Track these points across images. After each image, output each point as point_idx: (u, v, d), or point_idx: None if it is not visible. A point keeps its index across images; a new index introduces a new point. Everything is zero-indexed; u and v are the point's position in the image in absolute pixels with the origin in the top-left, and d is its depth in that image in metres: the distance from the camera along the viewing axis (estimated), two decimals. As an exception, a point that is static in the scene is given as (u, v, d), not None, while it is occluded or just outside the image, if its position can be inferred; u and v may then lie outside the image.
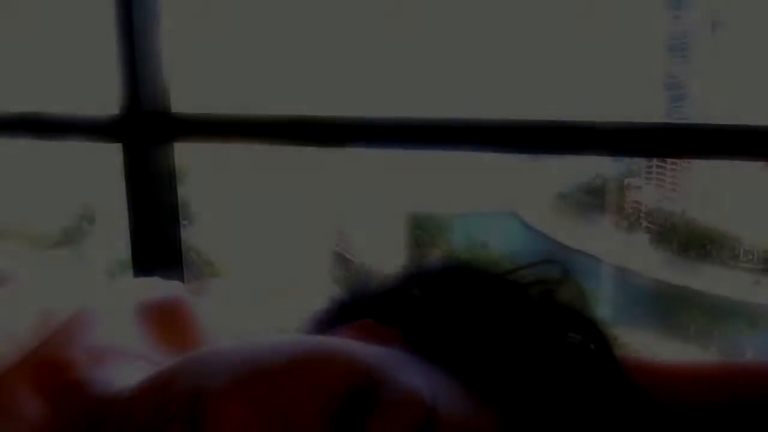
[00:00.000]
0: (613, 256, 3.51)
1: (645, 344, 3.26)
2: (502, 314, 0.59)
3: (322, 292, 3.41)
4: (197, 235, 3.45)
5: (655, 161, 3.41)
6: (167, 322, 0.68)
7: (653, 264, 3.52)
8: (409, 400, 0.49)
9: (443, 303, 0.60)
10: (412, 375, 0.51)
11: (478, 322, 0.58)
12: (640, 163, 3.49)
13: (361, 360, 0.52)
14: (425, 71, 3.18)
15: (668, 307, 3.57)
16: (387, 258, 3.52)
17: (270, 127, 1.53)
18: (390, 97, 3.09)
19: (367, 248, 3.55)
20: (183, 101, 1.62)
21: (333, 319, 0.64)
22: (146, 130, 1.55)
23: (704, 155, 1.38)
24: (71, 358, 0.60)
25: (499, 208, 3.75)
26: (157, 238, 1.57)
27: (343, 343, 0.55)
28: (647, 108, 3.22)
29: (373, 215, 3.53)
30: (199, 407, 0.48)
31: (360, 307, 0.64)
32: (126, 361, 0.62)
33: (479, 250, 3.66)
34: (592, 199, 3.63)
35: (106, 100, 1.62)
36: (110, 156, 1.76)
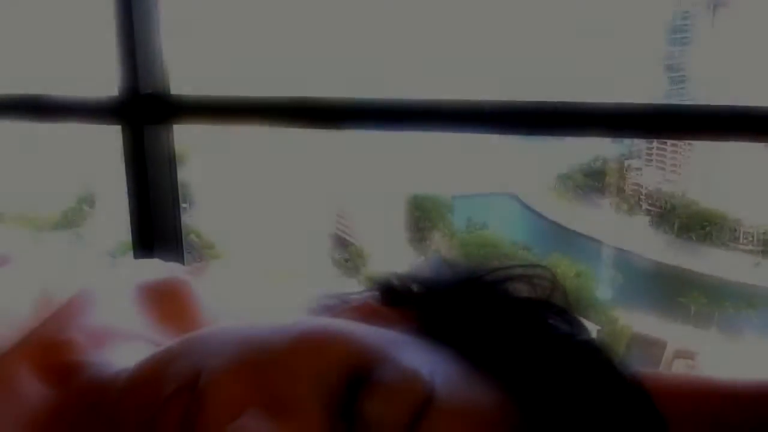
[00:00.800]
0: (613, 237, 3.52)
1: (645, 325, 3.27)
2: (510, 300, 0.59)
3: (321, 273, 3.42)
4: (197, 217, 3.45)
5: (655, 143, 3.40)
6: (167, 303, 0.68)
7: (653, 245, 3.52)
8: (405, 381, 0.49)
9: (453, 286, 0.60)
10: (411, 357, 0.51)
11: (488, 307, 0.58)
12: (640, 144, 3.49)
13: (360, 341, 0.52)
14: (425, 53, 3.17)
15: (668, 288, 3.57)
16: (387, 239, 3.53)
17: (268, 108, 1.53)
18: (390, 78, 3.08)
19: (367, 229, 3.55)
20: (182, 83, 1.62)
21: (338, 301, 0.64)
22: (145, 112, 1.55)
23: (705, 136, 1.38)
24: (71, 338, 0.61)
25: (498, 190, 3.75)
26: (156, 220, 1.57)
27: (342, 325, 0.54)
28: (648, 89, 3.21)
29: (372, 197, 3.53)
30: (198, 387, 0.49)
31: (367, 288, 0.64)
32: (126, 341, 0.62)
33: (479, 230, 3.67)
34: (592, 180, 3.63)
35: (105, 82, 1.62)
36: (110, 139, 1.76)
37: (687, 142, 3.31)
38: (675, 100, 3.33)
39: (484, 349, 0.55)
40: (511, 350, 0.55)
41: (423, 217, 3.60)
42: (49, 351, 0.59)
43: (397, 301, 0.61)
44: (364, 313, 0.60)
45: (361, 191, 3.57)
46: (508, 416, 0.51)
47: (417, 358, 0.52)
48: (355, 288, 0.66)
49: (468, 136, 3.37)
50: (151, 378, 0.51)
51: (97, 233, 3.49)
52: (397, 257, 3.36)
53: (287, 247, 3.42)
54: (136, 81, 1.53)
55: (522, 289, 0.60)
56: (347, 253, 3.55)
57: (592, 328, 0.59)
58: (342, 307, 0.61)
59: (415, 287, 0.62)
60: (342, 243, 3.57)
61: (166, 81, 1.56)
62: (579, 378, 0.54)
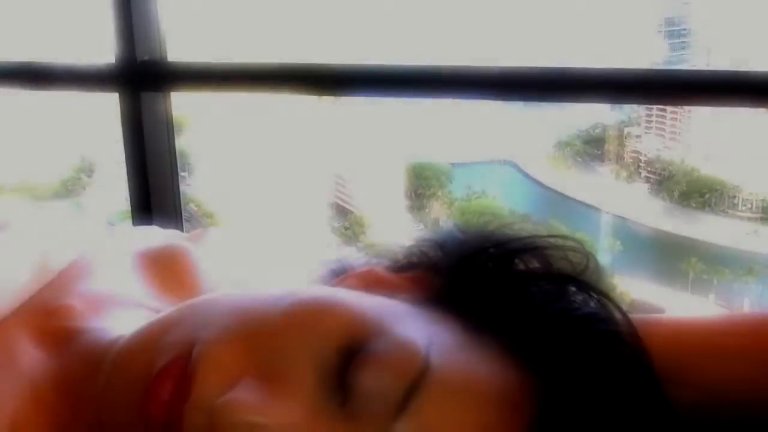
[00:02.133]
0: (613, 205, 3.52)
1: (644, 292, 3.28)
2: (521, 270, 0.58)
3: (321, 241, 3.42)
4: (196, 185, 3.45)
5: (655, 110, 3.39)
6: (165, 270, 0.68)
7: (652, 213, 3.52)
8: (400, 353, 0.48)
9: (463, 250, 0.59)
10: (408, 328, 0.51)
11: (507, 278, 0.57)
12: (639, 111, 3.48)
13: (355, 312, 0.51)
14: (423, 19, 3.15)
15: (667, 255, 3.58)
16: (386, 207, 3.52)
17: (266, 75, 1.52)
18: (389, 44, 3.07)
19: (366, 197, 3.55)
20: (180, 50, 1.61)
21: (339, 268, 0.63)
22: (142, 79, 1.54)
23: (705, 101, 1.37)
24: (69, 305, 0.61)
25: (497, 158, 3.74)
26: (155, 188, 1.57)
27: (338, 295, 0.54)
28: (648, 54, 3.20)
29: (372, 164, 3.53)
30: (192, 358, 0.49)
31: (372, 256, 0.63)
32: (123, 308, 0.62)
33: (478, 198, 3.66)
34: (592, 148, 3.62)
35: (102, 49, 1.61)
36: (109, 107, 1.75)
37: (686, 109, 3.30)
38: (675, 65, 3.31)
39: (496, 321, 0.54)
40: (525, 324, 0.53)
41: (422, 184, 3.60)
42: (47, 317, 0.59)
43: (406, 267, 0.60)
44: (366, 280, 0.59)
45: (361, 159, 3.56)
46: (508, 389, 0.51)
47: (414, 329, 0.51)
48: (355, 255, 0.66)
49: (467, 104, 3.36)
50: (146, 347, 0.51)
51: (96, 202, 3.49)
52: (396, 225, 3.36)
53: (286, 215, 3.42)
54: (133, 48, 1.52)
55: (553, 261, 0.57)
56: (346, 221, 3.56)
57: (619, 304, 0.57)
58: (343, 275, 0.61)
59: (427, 253, 0.61)
60: (341, 211, 3.57)
61: (164, 48, 1.55)
62: (591, 362, 0.53)
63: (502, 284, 0.56)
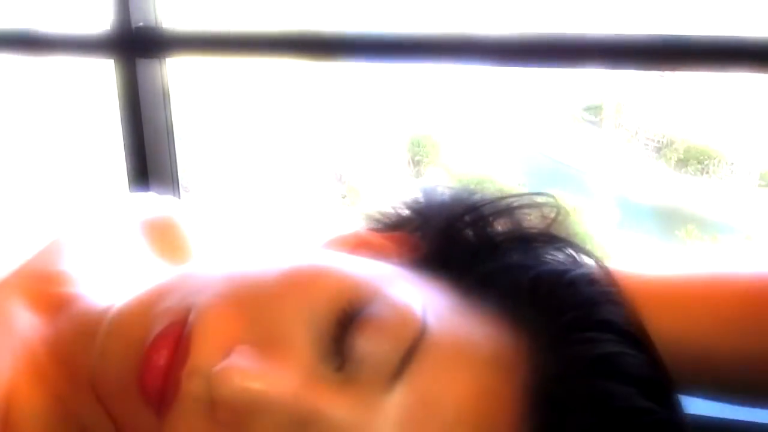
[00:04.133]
0: (611, 171, 3.52)
1: (642, 256, 3.29)
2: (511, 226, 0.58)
3: (318, 209, 3.42)
4: (192, 152, 3.44)
5: (654, 77, 3.38)
6: (161, 237, 0.68)
7: (650, 180, 3.52)
8: (397, 316, 0.48)
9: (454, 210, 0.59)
10: (403, 291, 0.51)
11: (488, 236, 0.57)
12: (639, 78, 3.46)
13: (350, 276, 0.51)
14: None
15: (665, 222, 3.58)
16: (384, 176, 3.52)
17: (263, 40, 1.51)
18: (387, 8, 3.05)
19: (365, 166, 3.55)
20: (175, 16, 1.60)
21: (333, 233, 0.63)
22: (137, 45, 1.53)
23: (704, 67, 1.36)
24: (64, 271, 0.61)
25: (497, 126, 3.74)
26: (151, 155, 1.56)
27: (332, 260, 0.54)
28: (646, 19, 3.18)
29: (371, 133, 3.52)
30: (189, 321, 0.49)
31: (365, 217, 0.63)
32: (118, 274, 0.62)
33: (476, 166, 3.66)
34: (590, 115, 3.61)
35: (97, 16, 1.60)
36: (105, 75, 1.74)
37: (686, 76, 3.29)
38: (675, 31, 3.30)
39: (483, 284, 0.54)
40: (509, 281, 0.54)
41: (420, 152, 3.59)
42: (42, 282, 0.59)
43: (393, 228, 0.60)
44: (357, 244, 0.59)
45: (360, 127, 3.56)
46: (502, 351, 0.51)
47: (409, 292, 0.51)
48: (351, 221, 0.65)
49: (464, 70, 3.34)
50: (141, 313, 0.51)
51: (92, 168, 3.48)
52: (394, 193, 3.36)
53: (284, 183, 3.42)
54: (128, 14, 1.51)
55: (526, 219, 0.58)
56: (344, 189, 3.56)
57: (593, 259, 0.58)
58: (336, 239, 0.60)
59: (411, 214, 0.61)
60: (339, 179, 3.57)
61: (159, 14, 1.54)
62: (576, 311, 0.53)
63: (480, 247, 0.56)
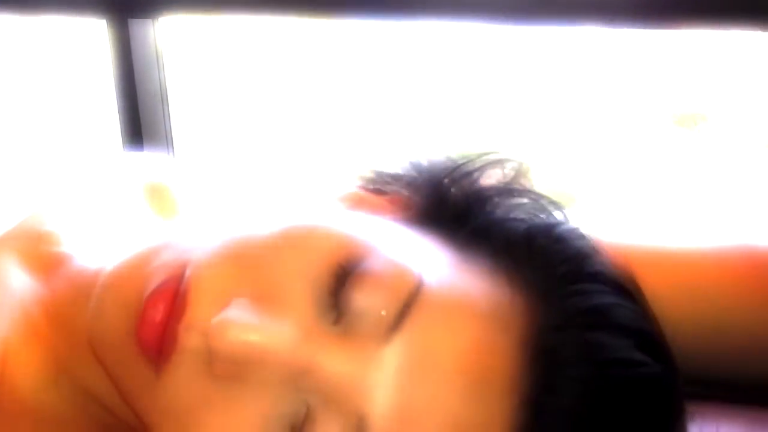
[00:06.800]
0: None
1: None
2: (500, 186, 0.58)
3: (312, 168, 3.42)
4: (186, 113, 3.42)
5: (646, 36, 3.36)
6: (156, 196, 0.68)
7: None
8: (393, 271, 0.49)
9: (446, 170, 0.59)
10: (398, 246, 0.51)
11: (473, 191, 0.57)
12: (632, 37, 3.44)
13: (347, 232, 0.51)
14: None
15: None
16: (381, 136, 3.51)
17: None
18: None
19: (360, 128, 3.54)
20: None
21: (327, 190, 0.63)
22: (130, 4, 1.52)
23: (701, 24, 1.34)
24: (58, 230, 0.60)
25: (491, 82, 3.72)
26: (145, 116, 1.56)
27: (328, 216, 0.54)
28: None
29: (365, 95, 3.51)
30: (186, 276, 0.49)
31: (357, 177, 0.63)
32: (112, 234, 0.62)
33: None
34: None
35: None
36: (98, 36, 1.73)
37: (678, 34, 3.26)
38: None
39: (475, 240, 0.54)
40: (503, 235, 0.54)
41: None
42: (36, 242, 0.59)
43: (386, 187, 0.61)
44: (353, 202, 0.59)
45: (355, 89, 3.54)
46: (499, 305, 0.51)
47: (405, 247, 0.51)
48: (343, 179, 0.66)
49: (459, 34, 3.32)
50: (136, 270, 0.51)
51: (85, 130, 3.47)
52: (387, 155, 3.36)
53: (278, 142, 3.41)
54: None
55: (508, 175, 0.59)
56: (340, 150, 3.55)
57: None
58: (332, 197, 0.61)
59: (403, 174, 0.61)
60: (335, 141, 3.56)
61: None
62: (568, 264, 0.53)
63: (471, 203, 0.57)
